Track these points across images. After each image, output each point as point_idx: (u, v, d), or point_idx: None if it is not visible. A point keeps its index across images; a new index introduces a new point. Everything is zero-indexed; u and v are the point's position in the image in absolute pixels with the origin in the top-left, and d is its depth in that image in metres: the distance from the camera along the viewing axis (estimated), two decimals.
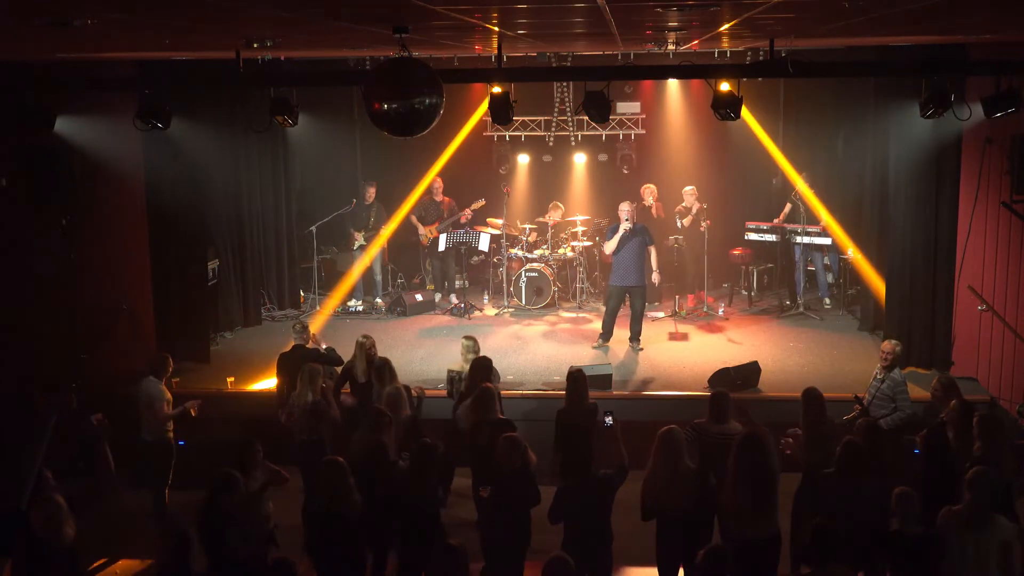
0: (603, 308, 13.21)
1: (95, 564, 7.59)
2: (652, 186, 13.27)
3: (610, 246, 11.36)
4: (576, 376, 7.93)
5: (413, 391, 8.36)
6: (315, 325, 11.78)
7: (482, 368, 8.31)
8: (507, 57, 8.64)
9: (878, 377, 8.21)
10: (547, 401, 9.75)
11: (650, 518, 6.48)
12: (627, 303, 11.55)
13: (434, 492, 6.69)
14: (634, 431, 7.14)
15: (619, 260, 11.35)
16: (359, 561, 6.36)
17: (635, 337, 11.49)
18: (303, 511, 7.43)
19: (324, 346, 9.37)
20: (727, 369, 10.03)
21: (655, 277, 11.78)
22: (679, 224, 12.95)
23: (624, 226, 11.19)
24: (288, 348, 9.39)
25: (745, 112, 8.49)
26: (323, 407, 8.12)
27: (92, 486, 7.82)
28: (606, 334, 11.55)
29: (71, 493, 7.20)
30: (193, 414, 8.53)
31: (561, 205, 13.85)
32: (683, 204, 12.99)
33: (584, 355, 11.17)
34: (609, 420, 6.92)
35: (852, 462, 6.30)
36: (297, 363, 8.98)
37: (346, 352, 10.80)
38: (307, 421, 8.07)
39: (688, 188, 13.05)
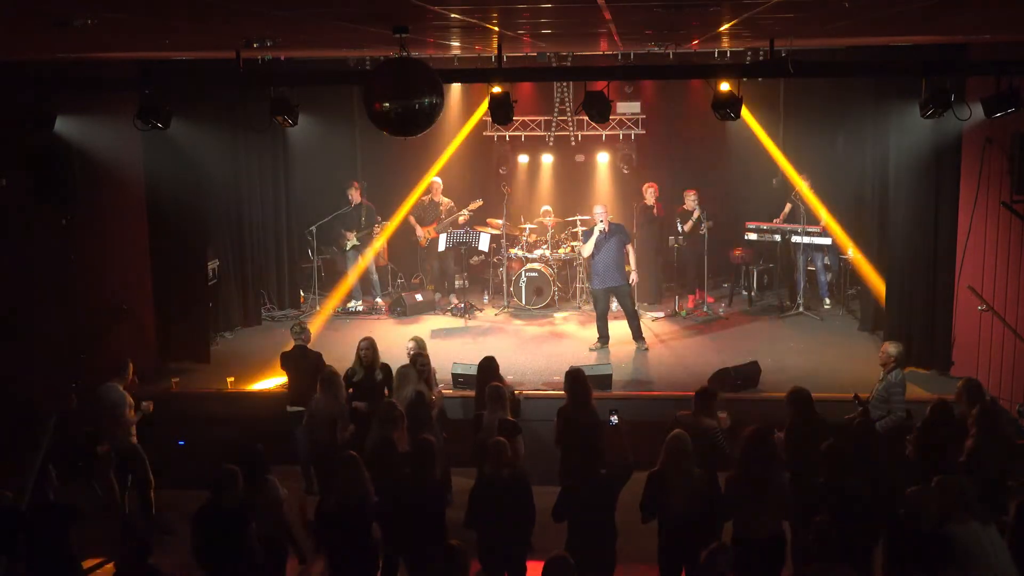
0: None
1: (90, 564, 7.58)
2: (654, 185, 13.26)
3: (587, 249, 11.36)
4: (574, 375, 7.94)
5: (434, 393, 8.36)
6: (315, 325, 11.76)
7: (489, 369, 8.31)
8: (507, 57, 8.64)
9: (879, 378, 8.22)
10: (547, 401, 9.75)
11: (650, 520, 6.49)
12: (615, 305, 11.57)
13: (437, 488, 6.68)
14: (634, 431, 7.14)
15: (598, 262, 11.35)
16: (372, 557, 6.35)
17: (638, 336, 11.49)
18: (316, 511, 7.44)
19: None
20: (727, 369, 10.03)
21: (633, 276, 11.72)
22: (680, 229, 12.93)
23: (599, 228, 11.19)
24: (290, 347, 9.38)
25: (745, 112, 8.49)
26: (351, 409, 8.16)
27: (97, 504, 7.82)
28: (602, 338, 11.53)
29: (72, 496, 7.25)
30: (151, 411, 8.49)
31: (551, 210, 13.85)
32: (684, 206, 12.98)
33: (584, 355, 11.17)
34: (614, 419, 6.92)
35: (835, 465, 6.30)
36: (300, 362, 9.01)
37: (346, 352, 10.83)
38: (332, 425, 8.08)
39: (690, 192, 13.02)
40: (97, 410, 8.42)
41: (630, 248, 11.62)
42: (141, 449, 8.45)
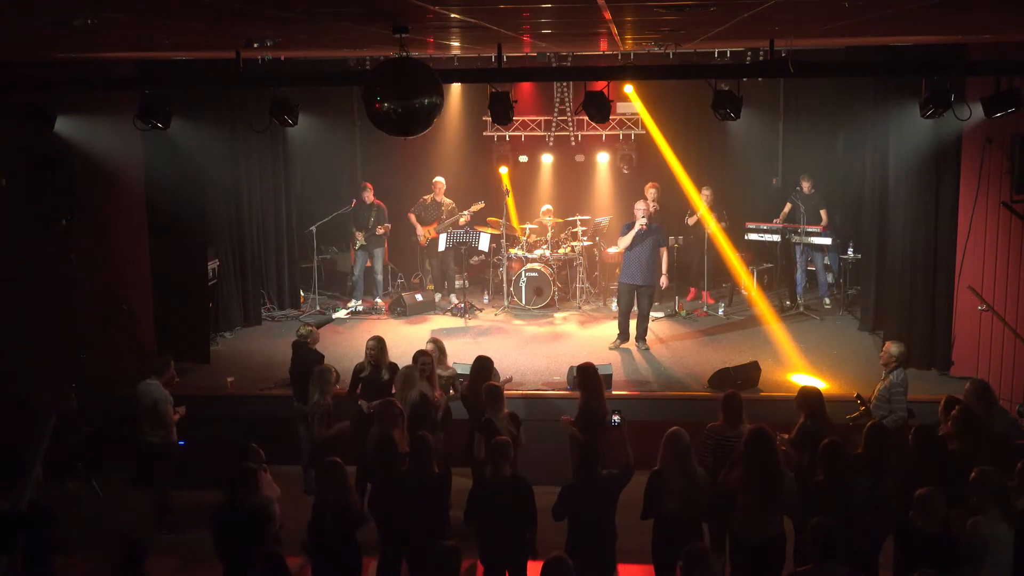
0: (603, 308, 13.29)
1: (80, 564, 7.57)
2: (655, 185, 13.25)
3: (624, 241, 11.30)
4: (589, 370, 8.00)
5: (437, 394, 8.35)
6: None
7: (483, 368, 8.32)
8: (507, 57, 8.64)
9: (882, 378, 8.22)
10: (547, 401, 9.77)
11: (650, 517, 6.49)
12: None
13: (436, 485, 6.68)
14: (634, 431, 7.14)
15: (630, 258, 11.31)
16: (356, 561, 6.35)
17: (641, 336, 11.48)
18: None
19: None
20: (727, 369, 10.03)
21: (663, 281, 11.72)
22: (687, 222, 12.99)
23: (640, 223, 11.16)
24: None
25: (745, 112, 8.48)
26: (331, 408, 8.14)
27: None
28: (623, 334, 11.51)
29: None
30: (183, 414, 8.54)
31: (552, 209, 13.85)
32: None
33: (584, 355, 11.12)
34: (616, 419, 6.92)
35: (833, 464, 6.29)
36: (300, 362, 9.01)
37: (346, 351, 10.84)
38: (320, 421, 8.09)
39: (704, 189, 13.06)
40: (136, 408, 8.40)
41: (664, 252, 11.55)
42: (175, 450, 8.45)
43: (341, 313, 10.65)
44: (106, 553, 7.43)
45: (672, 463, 6.40)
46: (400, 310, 13.17)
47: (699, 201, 12.89)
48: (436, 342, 8.87)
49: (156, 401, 8.31)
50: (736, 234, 13.39)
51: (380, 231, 13.27)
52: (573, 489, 6.47)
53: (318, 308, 13.34)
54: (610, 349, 11.44)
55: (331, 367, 8.62)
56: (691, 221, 12.99)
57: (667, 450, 6.44)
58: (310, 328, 9.33)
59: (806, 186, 12.84)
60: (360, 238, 13.29)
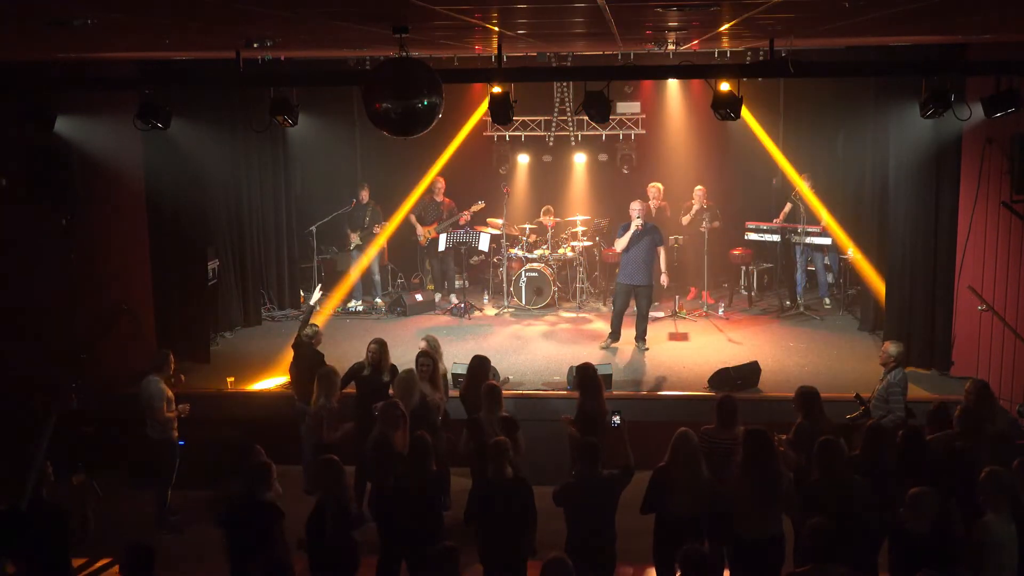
0: (603, 308, 13.30)
1: (79, 563, 7.56)
2: (657, 185, 13.26)
3: (620, 243, 11.30)
4: (588, 370, 8.02)
5: (437, 396, 8.35)
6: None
7: (480, 368, 8.32)
8: (507, 57, 8.64)
9: (880, 378, 8.22)
10: (547, 401, 9.77)
11: (650, 512, 6.49)
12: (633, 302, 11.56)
13: (435, 485, 6.68)
14: (634, 431, 7.14)
15: (627, 258, 11.30)
16: (353, 560, 6.35)
17: (640, 337, 11.48)
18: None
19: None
20: (727, 369, 10.02)
21: (663, 279, 11.70)
22: (682, 221, 13.02)
23: (635, 224, 11.17)
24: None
25: (745, 112, 8.48)
26: (340, 411, 8.15)
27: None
28: (614, 334, 11.52)
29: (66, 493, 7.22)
30: (186, 414, 8.50)
31: (552, 209, 13.85)
32: (690, 201, 13.06)
33: (584, 355, 11.13)
34: (616, 420, 6.91)
35: (829, 463, 6.28)
36: (302, 362, 9.00)
37: (346, 351, 10.83)
38: (328, 424, 8.09)
39: (697, 188, 13.08)
40: (139, 405, 8.40)
41: (661, 251, 11.53)
42: (177, 445, 8.42)
43: (316, 295, 10.58)
44: (106, 554, 7.51)
45: (680, 463, 6.39)
46: (400, 310, 13.16)
47: (802, 186, 12.81)
48: (430, 340, 8.87)
49: (151, 398, 8.30)
50: (735, 234, 13.41)
51: (377, 230, 13.27)
52: (573, 489, 6.48)
53: (317, 308, 13.32)
54: (600, 348, 11.43)
55: (335, 369, 8.62)
56: (686, 220, 13.02)
57: (676, 450, 6.42)
58: (316, 328, 9.32)
59: (806, 187, 12.83)
60: (355, 238, 13.28)
